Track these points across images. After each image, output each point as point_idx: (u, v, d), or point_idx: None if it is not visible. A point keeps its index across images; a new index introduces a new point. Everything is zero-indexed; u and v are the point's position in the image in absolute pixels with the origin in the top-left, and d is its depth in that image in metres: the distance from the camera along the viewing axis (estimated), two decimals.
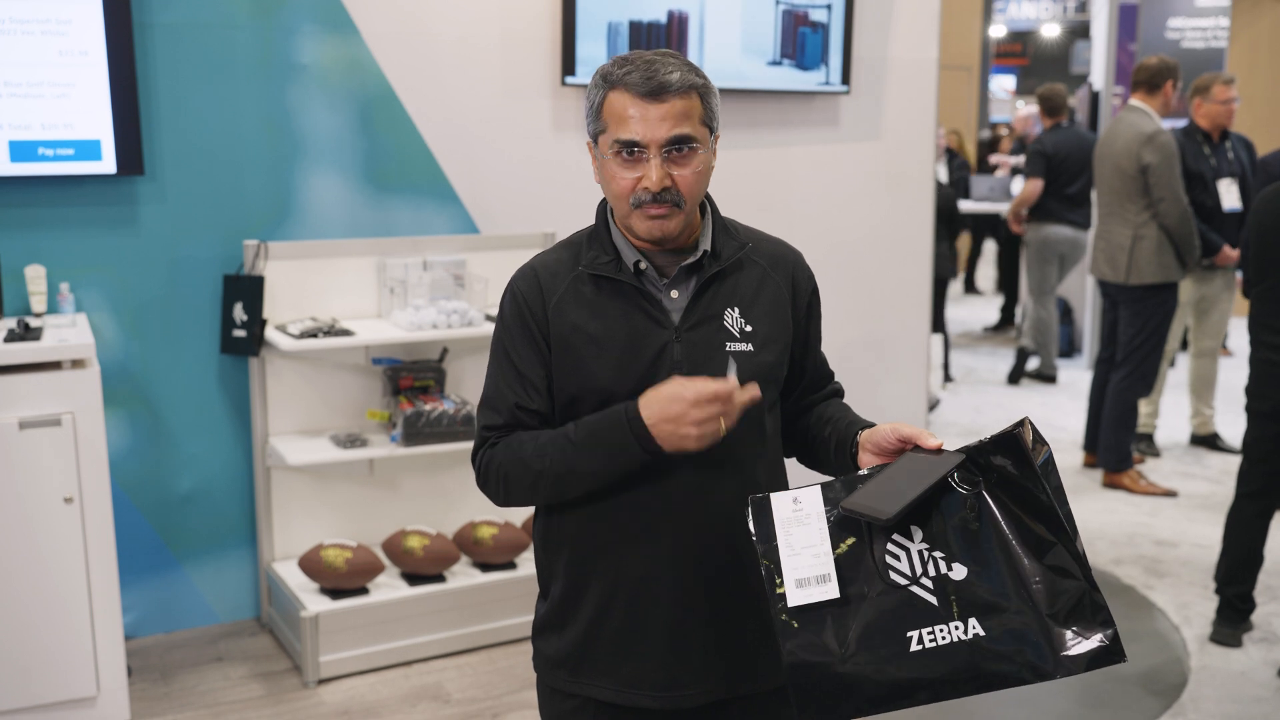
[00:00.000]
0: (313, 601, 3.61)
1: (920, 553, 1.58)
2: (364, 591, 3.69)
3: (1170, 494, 5.40)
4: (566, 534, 1.82)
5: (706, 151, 1.74)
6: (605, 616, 1.80)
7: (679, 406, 1.63)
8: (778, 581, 1.58)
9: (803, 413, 1.93)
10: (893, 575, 1.57)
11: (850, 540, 1.59)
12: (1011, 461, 1.57)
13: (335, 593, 3.66)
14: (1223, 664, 3.75)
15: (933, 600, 1.55)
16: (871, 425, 1.77)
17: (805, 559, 1.58)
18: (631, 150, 1.70)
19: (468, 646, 3.78)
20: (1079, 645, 1.51)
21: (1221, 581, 3.93)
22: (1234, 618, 3.91)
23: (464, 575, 3.84)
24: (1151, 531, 4.96)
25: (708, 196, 1.85)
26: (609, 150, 1.72)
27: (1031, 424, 1.59)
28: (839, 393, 1.98)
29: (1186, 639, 3.93)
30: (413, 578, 3.79)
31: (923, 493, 1.56)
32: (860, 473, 1.66)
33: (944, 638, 1.53)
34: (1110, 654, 1.51)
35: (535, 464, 1.73)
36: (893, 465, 1.65)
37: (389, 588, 3.73)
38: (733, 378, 1.65)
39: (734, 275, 1.81)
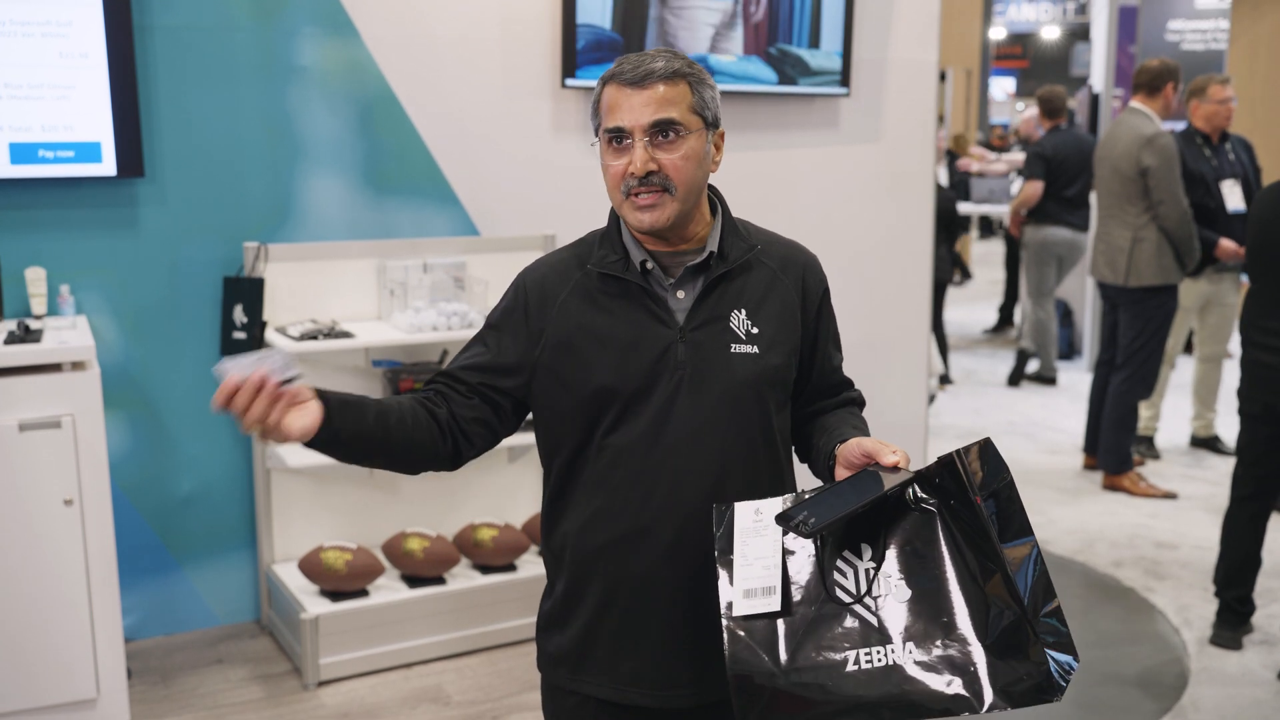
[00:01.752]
0: (313, 604, 3.61)
1: (867, 571, 1.57)
2: (364, 594, 3.69)
3: (1170, 496, 5.40)
4: (571, 532, 1.82)
5: (696, 138, 1.75)
6: (605, 614, 1.80)
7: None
8: (728, 589, 1.59)
9: (811, 419, 1.92)
10: (838, 592, 1.57)
11: (801, 554, 1.60)
12: (953, 485, 1.56)
13: (335, 595, 3.66)
14: (1223, 666, 3.75)
15: (873, 621, 1.54)
16: (856, 438, 1.76)
17: (756, 570, 1.59)
18: (620, 139, 1.73)
19: (468, 649, 3.78)
20: (1012, 679, 1.48)
21: (1220, 585, 3.93)
22: (1233, 620, 3.91)
23: (464, 577, 3.84)
24: (1151, 534, 4.96)
25: (720, 197, 1.85)
26: (602, 140, 1.76)
27: (990, 446, 1.56)
28: (856, 401, 1.96)
29: (1186, 641, 3.93)
30: (413, 580, 3.79)
31: (852, 510, 1.55)
32: (827, 486, 1.67)
33: (880, 659, 1.52)
34: (1043, 692, 1.48)
35: None
36: (846, 481, 1.65)
37: (389, 590, 3.73)
38: (233, 376, 1.55)
39: (742, 276, 1.81)
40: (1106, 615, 4.18)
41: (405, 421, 1.75)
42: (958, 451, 1.55)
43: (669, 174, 1.72)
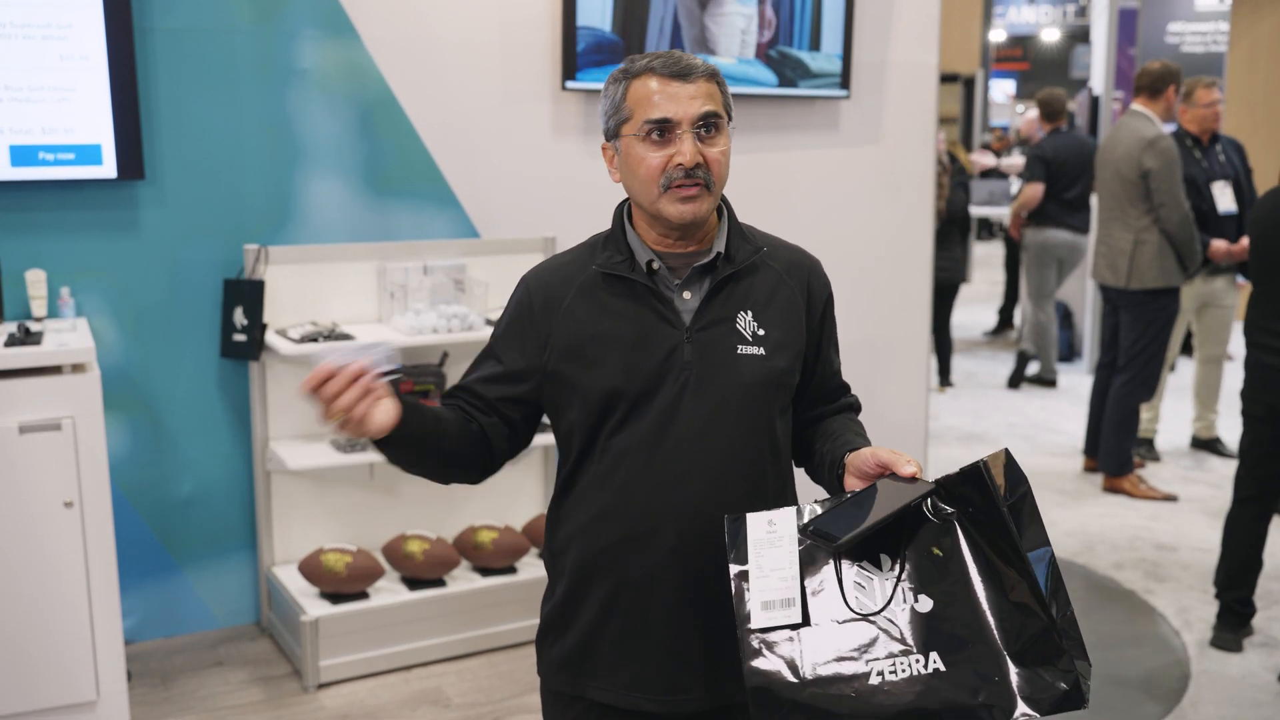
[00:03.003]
0: (313, 606, 3.61)
1: (888, 582, 1.56)
2: (364, 596, 3.69)
3: (1170, 498, 5.40)
4: (573, 534, 1.82)
5: (727, 136, 1.77)
6: (607, 619, 1.80)
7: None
8: (744, 602, 1.58)
9: (811, 424, 1.92)
10: (859, 603, 1.56)
11: (819, 565, 1.58)
12: (978, 495, 1.54)
13: (335, 597, 3.66)
14: (1223, 668, 3.75)
15: (896, 631, 1.53)
16: (869, 447, 1.76)
17: (773, 581, 1.57)
18: (663, 130, 1.71)
19: (468, 651, 3.78)
20: (1039, 688, 1.47)
21: (1221, 587, 3.93)
22: (1234, 622, 3.91)
23: (464, 580, 3.84)
24: (1152, 536, 4.96)
25: (725, 200, 1.85)
26: (638, 133, 1.72)
27: (1010, 457, 1.56)
28: (854, 407, 1.96)
29: (1187, 643, 3.93)
30: (413, 582, 3.79)
31: (877, 522, 1.54)
32: (844, 496, 1.66)
33: (904, 670, 1.51)
34: (1070, 699, 1.47)
35: None
36: (863, 491, 1.64)
37: (389, 592, 3.73)
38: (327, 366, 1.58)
39: (748, 278, 1.81)
40: (1107, 617, 4.17)
41: (457, 433, 1.78)
42: (982, 461, 1.54)
43: (711, 169, 1.73)
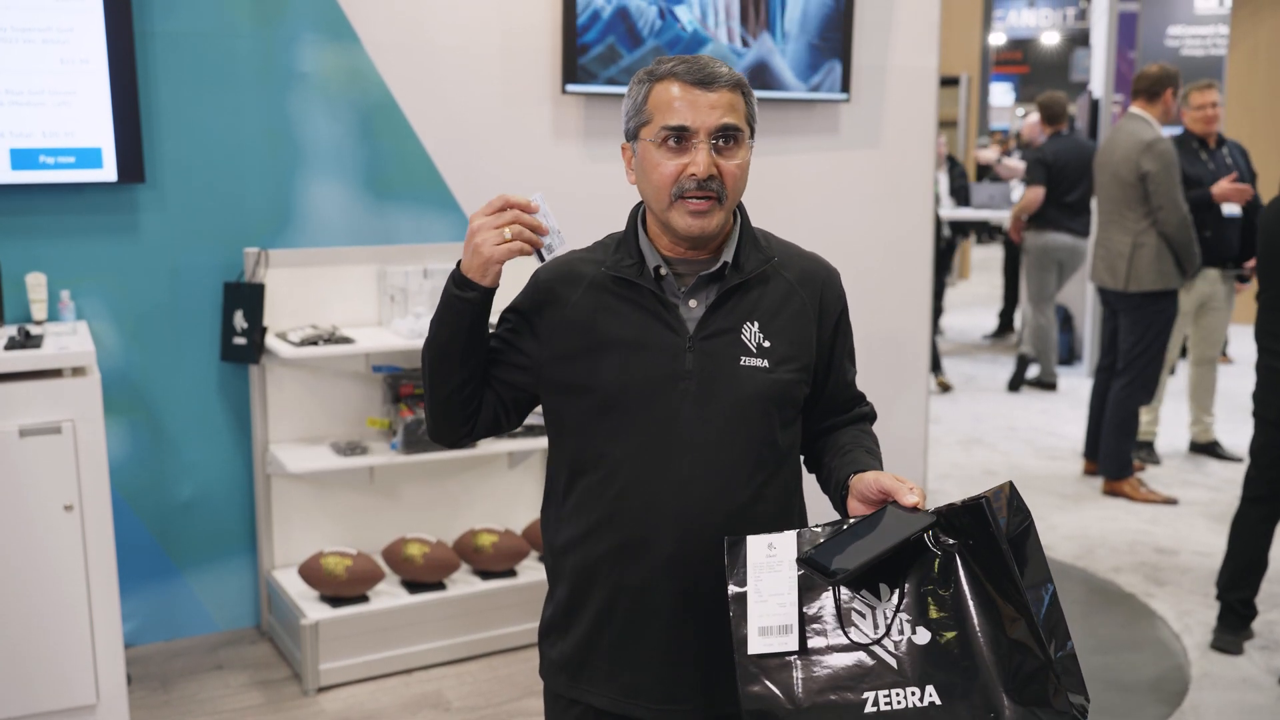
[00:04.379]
0: (313, 609, 3.61)
1: (886, 612, 1.55)
2: (364, 599, 3.69)
3: (1171, 502, 5.40)
4: (572, 538, 1.81)
5: (747, 149, 1.74)
6: (605, 624, 1.79)
7: (470, 229, 1.69)
8: (742, 626, 1.57)
9: (823, 435, 1.90)
10: (856, 633, 1.55)
11: (818, 592, 1.57)
12: (978, 528, 1.53)
13: (335, 600, 3.66)
14: (1224, 671, 3.75)
15: (892, 663, 1.52)
16: (868, 469, 1.74)
17: (771, 607, 1.56)
18: (679, 137, 1.69)
19: (468, 654, 3.77)
20: None
21: (1224, 587, 3.93)
22: (1236, 624, 3.90)
23: (464, 583, 3.84)
24: (1152, 539, 4.96)
25: (740, 206, 1.83)
26: (654, 138, 1.71)
27: (1014, 490, 1.55)
28: (868, 417, 1.95)
29: (1187, 646, 3.93)
30: (413, 585, 3.78)
31: (874, 556, 1.53)
32: (848, 521, 1.64)
33: (899, 702, 1.49)
34: None
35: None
36: (865, 519, 1.62)
37: (389, 595, 3.73)
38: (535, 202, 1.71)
39: (758, 288, 1.79)
40: (1107, 621, 4.17)
41: (480, 378, 1.80)
42: (985, 497, 1.52)
43: (725, 182, 1.71)
